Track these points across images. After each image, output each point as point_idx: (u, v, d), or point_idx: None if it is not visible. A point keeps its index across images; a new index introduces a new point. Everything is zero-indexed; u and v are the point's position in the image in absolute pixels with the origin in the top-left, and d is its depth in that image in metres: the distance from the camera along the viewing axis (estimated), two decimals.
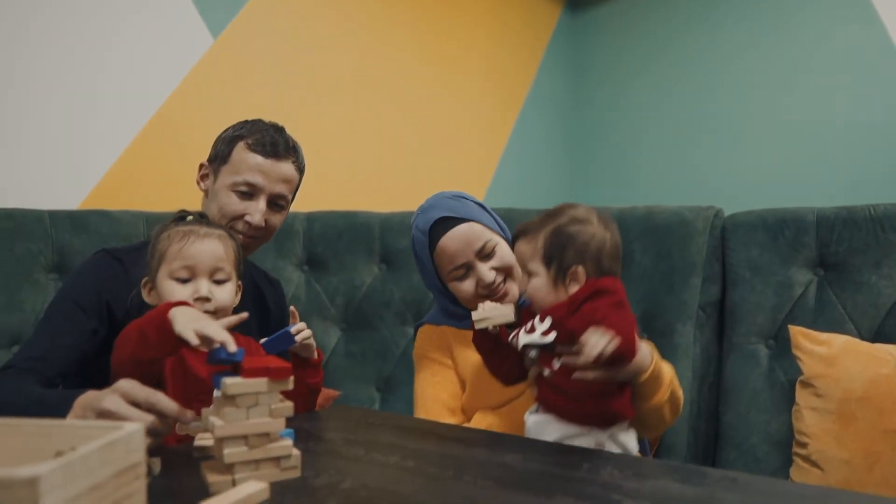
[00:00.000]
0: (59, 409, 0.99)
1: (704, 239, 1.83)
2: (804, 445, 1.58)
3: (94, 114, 2.00)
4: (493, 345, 1.24)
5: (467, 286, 1.36)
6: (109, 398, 0.95)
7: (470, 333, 1.27)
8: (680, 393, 1.30)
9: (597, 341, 1.02)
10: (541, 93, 3.48)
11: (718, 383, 1.82)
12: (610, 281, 1.19)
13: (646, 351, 1.17)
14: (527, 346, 1.18)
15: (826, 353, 1.58)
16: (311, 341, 1.27)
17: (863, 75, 2.81)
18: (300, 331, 1.23)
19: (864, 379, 1.51)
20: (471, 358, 1.37)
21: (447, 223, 1.36)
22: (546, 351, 1.16)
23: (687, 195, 3.03)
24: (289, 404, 0.87)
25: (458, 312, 1.44)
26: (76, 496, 0.61)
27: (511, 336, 1.21)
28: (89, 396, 1.02)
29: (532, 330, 1.17)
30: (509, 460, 0.96)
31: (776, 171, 3.03)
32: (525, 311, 1.23)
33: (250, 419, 0.85)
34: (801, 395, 1.62)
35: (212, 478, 0.83)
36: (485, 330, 1.20)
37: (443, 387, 1.41)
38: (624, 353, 1.06)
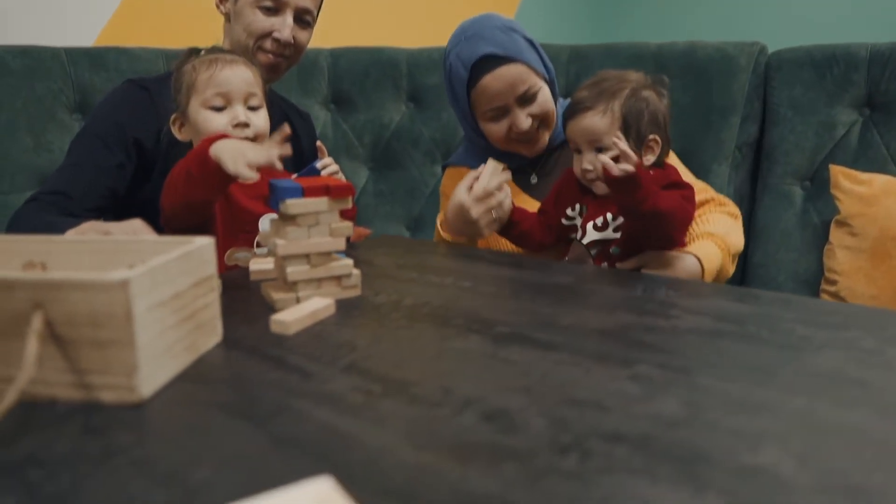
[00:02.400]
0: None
1: (747, 76, 1.76)
2: (833, 283, 1.61)
3: None
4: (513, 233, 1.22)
5: (499, 128, 1.30)
6: (117, 229, 0.95)
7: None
8: (732, 257, 1.28)
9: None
10: None
11: (749, 224, 1.82)
12: (676, 173, 1.16)
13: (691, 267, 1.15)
14: (593, 243, 1.15)
15: (866, 192, 1.57)
16: (340, 175, 1.24)
17: None
18: (326, 166, 1.21)
19: None
20: None
21: (492, 61, 1.25)
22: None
23: (730, 30, 2.88)
24: (348, 224, 0.87)
25: (482, 146, 1.39)
26: (161, 302, 0.62)
27: (578, 233, 1.18)
28: (98, 223, 1.02)
29: (604, 225, 1.14)
30: (563, 281, 0.97)
31: (825, 4, 2.86)
32: (591, 203, 1.19)
33: (311, 238, 0.85)
34: (836, 235, 1.62)
35: (276, 295, 0.85)
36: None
37: None
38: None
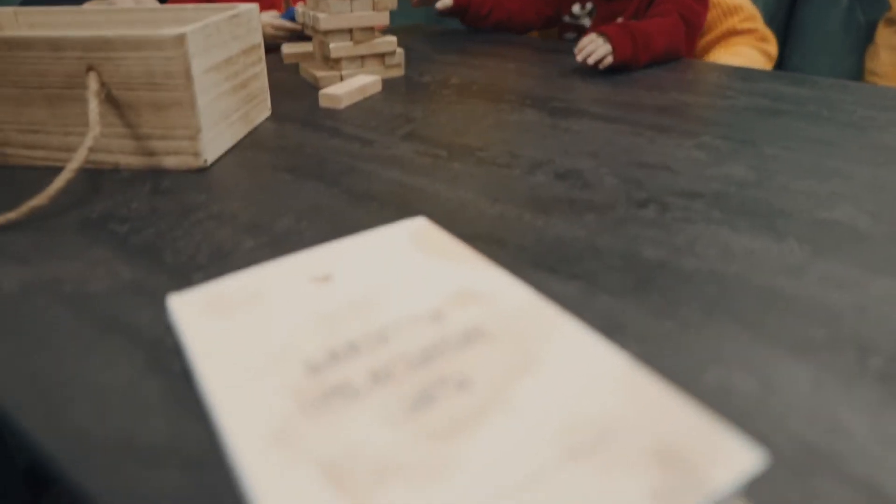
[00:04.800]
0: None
1: None
2: (873, 85, 1.55)
3: None
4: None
5: None
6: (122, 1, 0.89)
7: None
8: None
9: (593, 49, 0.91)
10: None
11: (787, 25, 1.72)
12: None
13: None
14: None
15: None
16: None
17: None
18: None
19: None
20: None
21: None
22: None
23: None
24: None
25: None
26: (215, 66, 0.60)
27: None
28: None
29: None
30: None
31: None
32: (603, 7, 1.08)
33: (354, 11, 0.80)
34: (882, 34, 1.54)
35: (319, 73, 0.82)
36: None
37: None
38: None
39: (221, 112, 0.61)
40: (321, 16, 0.79)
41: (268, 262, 0.42)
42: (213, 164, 0.58)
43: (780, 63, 1.73)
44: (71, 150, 0.58)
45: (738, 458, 0.23)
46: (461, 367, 0.27)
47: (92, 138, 0.53)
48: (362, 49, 0.81)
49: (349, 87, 0.75)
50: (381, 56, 0.83)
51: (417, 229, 0.40)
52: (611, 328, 0.35)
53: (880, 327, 0.35)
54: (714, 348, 0.33)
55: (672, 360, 0.33)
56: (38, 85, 0.56)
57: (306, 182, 0.54)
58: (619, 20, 1.05)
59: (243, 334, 0.30)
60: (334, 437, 0.24)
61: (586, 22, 1.13)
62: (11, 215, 0.48)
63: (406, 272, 0.35)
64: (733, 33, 1.29)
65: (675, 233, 0.45)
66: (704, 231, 0.46)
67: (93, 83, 0.55)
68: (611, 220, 0.47)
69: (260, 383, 0.27)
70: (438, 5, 1.14)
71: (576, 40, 1.10)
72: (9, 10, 0.70)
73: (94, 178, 0.56)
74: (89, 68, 0.55)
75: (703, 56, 1.31)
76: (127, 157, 0.59)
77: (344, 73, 0.82)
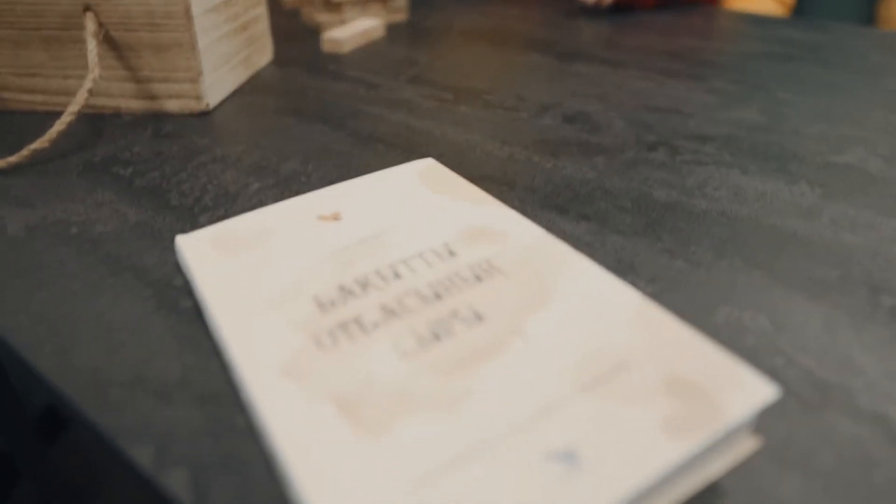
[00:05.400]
0: None
1: None
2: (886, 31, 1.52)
3: None
4: None
5: None
6: None
7: None
8: None
9: None
10: None
11: None
12: None
13: None
14: None
15: None
16: None
17: None
18: None
19: None
20: None
21: None
22: None
23: None
24: None
25: None
26: (215, 6, 0.58)
27: None
28: None
29: None
30: (618, 7, 0.91)
31: None
32: None
33: None
34: None
35: (320, 17, 0.80)
36: None
37: None
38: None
39: (222, 55, 0.60)
40: None
41: (275, 203, 0.41)
42: (215, 109, 0.57)
43: (795, 11, 1.69)
44: (70, 93, 0.57)
45: (751, 390, 0.23)
46: (473, 301, 0.27)
47: (91, 80, 0.52)
48: None
49: (352, 31, 0.73)
50: (382, 0, 0.81)
51: (426, 169, 0.39)
52: (622, 268, 0.35)
53: (892, 268, 0.35)
54: (726, 288, 0.33)
55: (683, 298, 0.33)
56: (34, 26, 0.55)
57: (311, 125, 0.53)
58: None
59: (254, 272, 0.30)
60: (347, 370, 0.24)
61: None
62: (12, 159, 0.48)
63: (416, 210, 0.34)
64: None
65: (686, 175, 0.45)
66: (715, 173, 0.45)
67: (90, 24, 0.54)
68: (620, 162, 0.46)
69: (272, 319, 0.27)
70: None
71: None
72: None
73: (95, 122, 0.55)
74: (86, 8, 0.54)
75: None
76: (128, 101, 0.58)
77: (346, 17, 0.80)
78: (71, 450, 1.22)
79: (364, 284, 0.29)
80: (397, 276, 0.29)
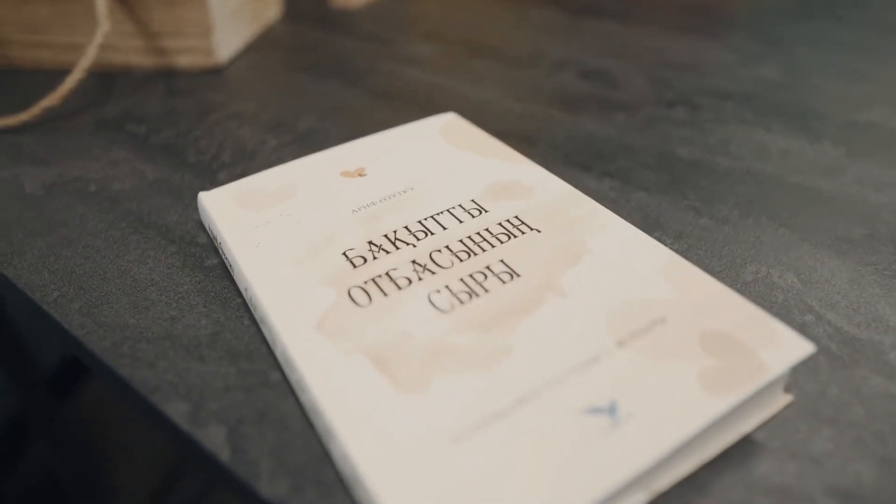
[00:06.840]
0: None
1: None
2: None
3: None
4: None
5: None
6: None
7: None
8: None
9: None
10: None
11: None
12: None
13: None
14: None
15: None
16: None
17: None
18: None
19: None
20: None
21: None
22: None
23: None
24: None
25: None
26: None
27: None
28: None
29: None
30: None
31: None
32: None
33: None
34: None
35: None
36: None
37: None
38: None
39: (232, 8, 0.59)
40: None
41: (295, 159, 0.41)
42: (227, 65, 0.57)
43: None
44: (78, 49, 0.56)
45: (787, 345, 0.23)
46: (506, 257, 0.27)
47: (101, 34, 0.51)
48: None
49: None
50: None
51: (448, 124, 0.39)
52: (648, 224, 0.35)
53: None
54: (752, 245, 0.33)
55: (710, 255, 0.32)
56: None
57: (326, 81, 0.53)
58: None
59: (280, 228, 0.30)
60: (382, 327, 0.24)
61: None
62: (24, 116, 0.47)
63: (441, 166, 0.34)
64: None
65: (708, 133, 0.44)
66: (737, 131, 0.45)
67: None
68: (641, 119, 0.46)
69: (303, 274, 0.27)
70: None
71: None
72: None
73: (106, 79, 0.55)
74: None
75: None
76: (138, 57, 0.57)
77: None
78: (82, 408, 1.24)
79: (394, 240, 0.29)
80: (427, 232, 0.29)
